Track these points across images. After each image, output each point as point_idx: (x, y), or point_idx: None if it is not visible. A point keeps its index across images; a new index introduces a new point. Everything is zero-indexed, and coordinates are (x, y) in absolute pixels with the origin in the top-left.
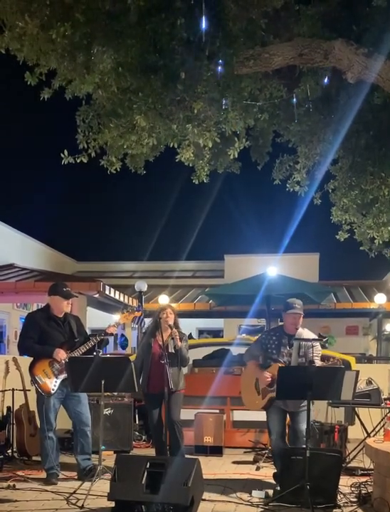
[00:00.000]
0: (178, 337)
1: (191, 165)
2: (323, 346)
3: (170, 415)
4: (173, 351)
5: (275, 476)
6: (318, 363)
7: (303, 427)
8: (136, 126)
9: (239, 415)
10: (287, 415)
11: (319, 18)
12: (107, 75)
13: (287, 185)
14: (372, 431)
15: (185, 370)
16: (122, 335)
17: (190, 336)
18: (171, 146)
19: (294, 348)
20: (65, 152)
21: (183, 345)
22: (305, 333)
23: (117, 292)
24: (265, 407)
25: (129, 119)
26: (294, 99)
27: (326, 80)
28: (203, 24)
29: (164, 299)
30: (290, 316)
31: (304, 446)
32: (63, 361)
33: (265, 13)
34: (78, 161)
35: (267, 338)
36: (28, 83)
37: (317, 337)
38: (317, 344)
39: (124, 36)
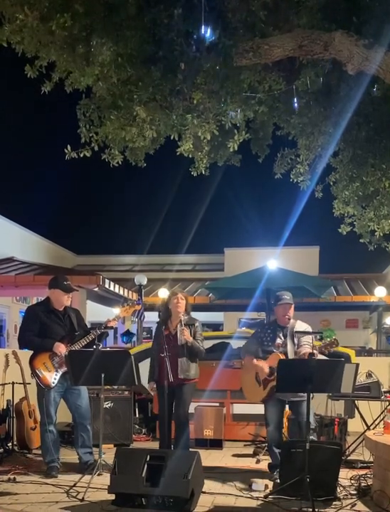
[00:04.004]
0: (185, 333)
1: (190, 156)
2: (321, 339)
3: (175, 410)
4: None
5: (270, 466)
6: (306, 350)
7: (305, 418)
8: (137, 118)
9: (239, 408)
10: (288, 407)
11: (319, 10)
12: (106, 66)
13: (291, 176)
14: (372, 424)
15: None
16: (128, 331)
17: None
18: (171, 138)
19: (289, 339)
20: (69, 147)
21: (192, 341)
22: (298, 324)
23: (117, 286)
24: (267, 397)
25: (129, 110)
26: (294, 92)
27: (326, 72)
28: (202, 15)
29: (163, 293)
30: (281, 307)
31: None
32: (63, 354)
33: (265, 4)
34: (81, 155)
35: (262, 332)
36: (28, 76)
37: (309, 328)
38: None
39: (123, 28)
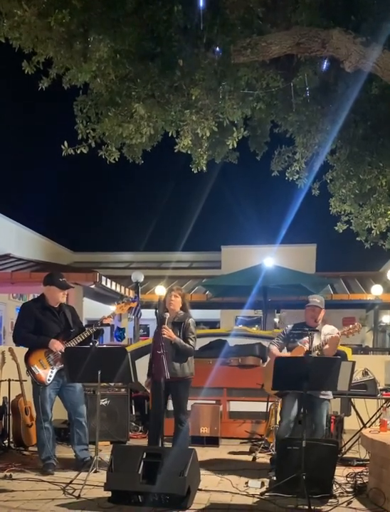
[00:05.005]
0: (164, 332)
1: (189, 152)
2: None
3: (173, 408)
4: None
5: (272, 459)
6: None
7: (322, 421)
8: (135, 115)
9: (235, 406)
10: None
11: (316, 7)
12: (104, 63)
13: (287, 175)
14: (368, 421)
15: None
16: (118, 328)
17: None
18: (169, 134)
19: (316, 337)
20: (65, 144)
21: (176, 339)
22: (324, 328)
23: (114, 283)
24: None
25: (127, 107)
26: (292, 89)
27: (323, 69)
28: (201, 12)
29: (160, 290)
30: (308, 309)
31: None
32: (59, 352)
33: (263, 1)
34: (78, 151)
35: (291, 331)
36: (26, 72)
37: (336, 329)
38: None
39: (121, 24)
